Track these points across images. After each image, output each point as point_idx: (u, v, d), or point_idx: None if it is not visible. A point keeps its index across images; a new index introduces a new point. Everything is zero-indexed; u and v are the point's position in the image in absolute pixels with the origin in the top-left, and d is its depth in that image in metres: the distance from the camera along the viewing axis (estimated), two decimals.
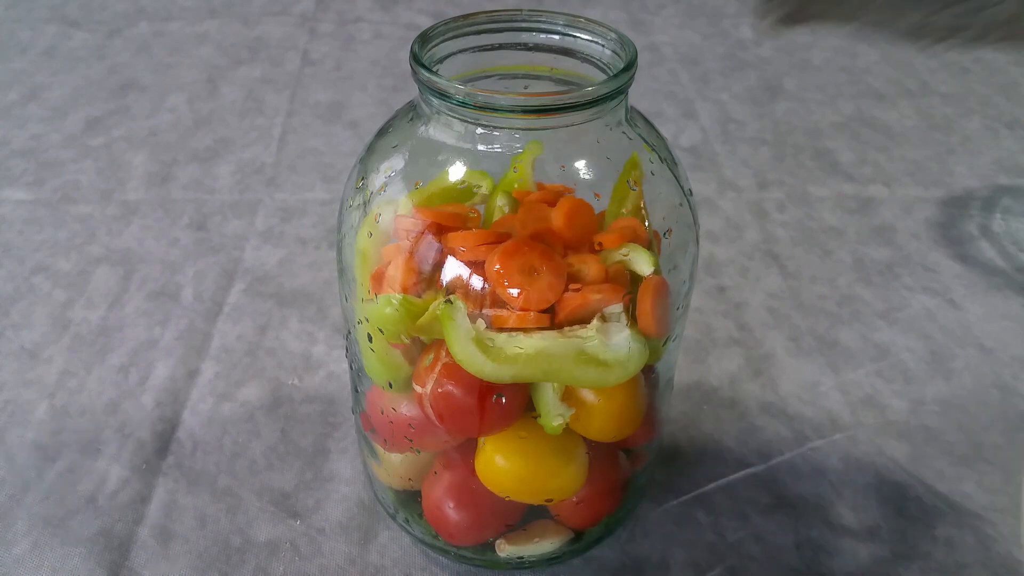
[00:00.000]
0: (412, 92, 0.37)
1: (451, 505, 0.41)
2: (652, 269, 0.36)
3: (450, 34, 0.37)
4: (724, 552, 0.45)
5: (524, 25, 0.38)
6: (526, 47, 0.39)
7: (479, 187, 0.37)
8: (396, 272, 0.36)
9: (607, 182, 0.38)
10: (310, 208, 0.71)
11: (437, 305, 0.35)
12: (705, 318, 0.61)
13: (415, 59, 0.35)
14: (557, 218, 0.36)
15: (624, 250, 0.36)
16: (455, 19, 0.37)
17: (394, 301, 0.36)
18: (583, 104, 0.34)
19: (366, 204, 0.38)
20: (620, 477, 0.43)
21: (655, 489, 0.48)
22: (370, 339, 0.38)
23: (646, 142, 0.38)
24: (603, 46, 0.37)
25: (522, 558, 0.42)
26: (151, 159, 0.77)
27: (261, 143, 0.79)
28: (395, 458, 0.42)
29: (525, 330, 0.35)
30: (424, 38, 0.36)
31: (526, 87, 0.39)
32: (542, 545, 0.42)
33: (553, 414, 0.37)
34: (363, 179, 0.39)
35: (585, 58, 0.38)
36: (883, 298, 0.63)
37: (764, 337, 0.59)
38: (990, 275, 0.66)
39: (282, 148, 0.79)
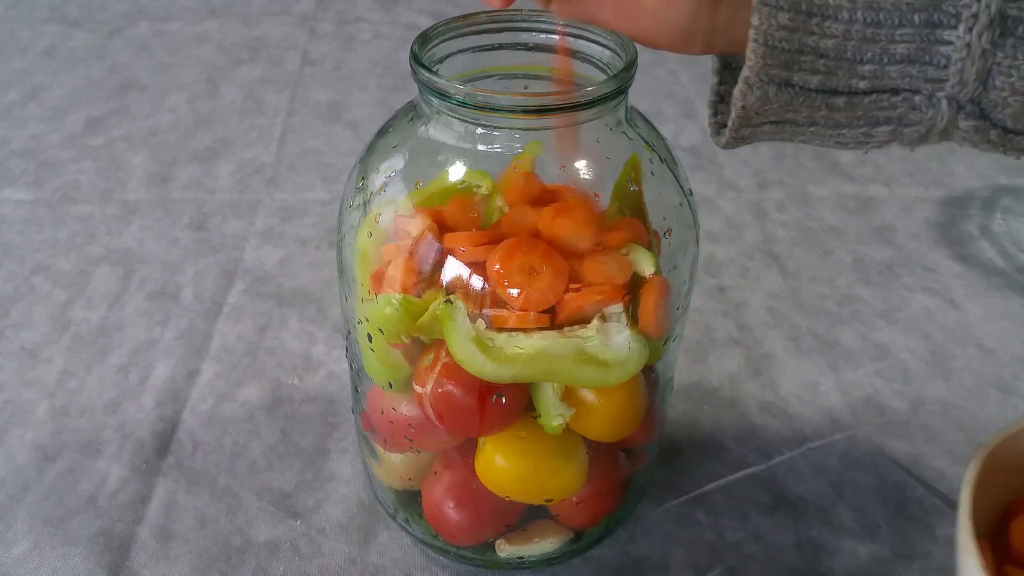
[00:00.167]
0: (412, 92, 0.37)
1: (451, 505, 0.41)
2: (653, 269, 0.36)
3: (450, 34, 0.37)
4: (724, 552, 0.45)
5: (524, 25, 0.38)
6: (526, 47, 0.39)
7: (479, 187, 0.37)
8: (396, 272, 0.36)
9: (607, 182, 0.38)
10: (310, 208, 0.71)
11: (437, 305, 0.35)
12: (705, 318, 0.61)
13: (415, 59, 0.35)
14: (545, 223, 0.36)
15: (624, 250, 0.36)
16: (455, 19, 0.37)
17: (394, 301, 0.36)
18: (583, 104, 0.34)
19: (366, 204, 0.38)
20: (620, 477, 0.43)
21: (655, 489, 0.48)
22: (370, 339, 0.38)
23: (646, 142, 0.38)
24: (603, 46, 0.37)
25: (522, 558, 0.42)
26: (151, 159, 0.77)
27: (261, 143, 0.79)
28: (395, 458, 0.42)
29: (525, 330, 0.35)
30: (424, 38, 0.36)
31: (526, 87, 0.39)
32: (542, 545, 0.42)
33: (553, 414, 0.37)
34: (363, 179, 0.39)
35: (585, 58, 0.38)
36: (883, 298, 0.63)
37: (764, 337, 0.59)
38: (990, 275, 0.66)
39: (282, 148, 0.79)
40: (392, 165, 0.38)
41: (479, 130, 0.35)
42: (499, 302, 0.35)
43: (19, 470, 0.48)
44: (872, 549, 0.46)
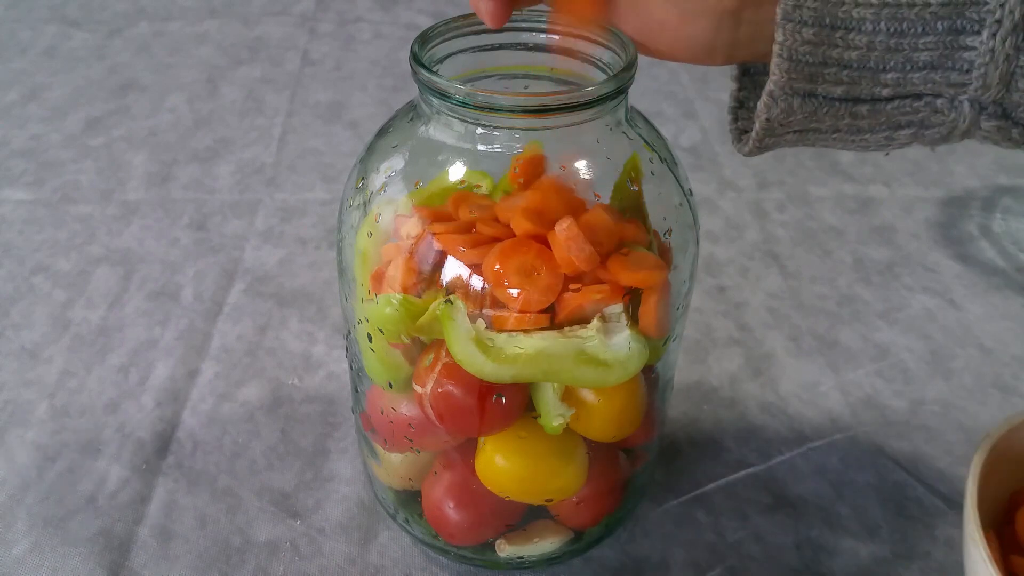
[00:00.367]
0: (412, 92, 0.37)
1: (451, 505, 0.41)
2: None
3: (450, 34, 0.37)
4: (724, 552, 0.45)
5: (524, 25, 0.38)
6: (526, 47, 0.39)
7: (479, 187, 0.37)
8: (396, 272, 0.36)
9: (607, 182, 0.38)
10: (310, 208, 0.71)
11: (437, 305, 0.35)
12: (705, 318, 0.61)
13: (415, 59, 0.35)
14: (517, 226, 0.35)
15: (624, 250, 0.36)
16: (455, 19, 0.37)
17: (394, 301, 0.36)
18: (583, 104, 0.34)
19: (366, 204, 0.38)
20: (620, 477, 0.43)
21: (655, 489, 0.48)
22: (370, 339, 0.38)
23: (646, 142, 0.38)
24: (603, 46, 0.37)
25: (522, 558, 0.42)
26: (151, 159, 0.77)
27: (261, 143, 0.79)
28: (395, 458, 0.42)
29: (525, 330, 0.35)
30: (424, 38, 0.36)
31: (526, 87, 0.39)
32: (542, 545, 0.42)
33: (553, 414, 0.37)
34: (363, 179, 0.39)
35: (585, 58, 0.38)
36: (883, 298, 0.63)
37: (764, 337, 0.59)
38: (990, 275, 0.66)
39: (282, 148, 0.79)
40: (392, 165, 0.38)
41: (479, 130, 0.35)
42: (499, 302, 0.35)
43: (19, 470, 0.48)
44: (872, 549, 0.46)
